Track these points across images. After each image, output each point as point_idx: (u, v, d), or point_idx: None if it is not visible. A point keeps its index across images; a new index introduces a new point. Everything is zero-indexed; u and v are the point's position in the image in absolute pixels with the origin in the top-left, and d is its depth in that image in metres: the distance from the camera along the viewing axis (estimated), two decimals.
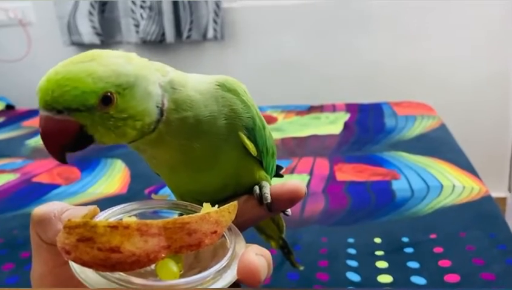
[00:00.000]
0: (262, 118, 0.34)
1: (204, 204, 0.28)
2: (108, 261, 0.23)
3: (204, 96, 0.30)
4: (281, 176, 0.42)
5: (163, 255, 0.24)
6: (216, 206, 0.27)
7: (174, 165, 0.31)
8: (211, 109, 0.30)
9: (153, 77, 0.28)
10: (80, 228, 0.23)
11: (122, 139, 0.27)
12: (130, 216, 0.29)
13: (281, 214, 0.35)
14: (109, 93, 0.25)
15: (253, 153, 0.32)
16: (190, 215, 0.25)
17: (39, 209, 0.28)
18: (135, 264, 0.23)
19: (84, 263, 0.23)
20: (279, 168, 0.41)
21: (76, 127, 0.26)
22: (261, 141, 0.33)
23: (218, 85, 0.31)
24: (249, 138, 0.32)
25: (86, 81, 0.25)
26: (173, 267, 0.26)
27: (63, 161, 0.27)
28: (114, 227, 0.23)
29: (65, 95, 0.25)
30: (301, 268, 0.51)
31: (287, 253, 0.49)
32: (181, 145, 0.29)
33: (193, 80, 0.31)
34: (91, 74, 0.25)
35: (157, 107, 0.28)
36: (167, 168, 0.32)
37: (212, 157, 0.31)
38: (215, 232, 0.26)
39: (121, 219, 0.27)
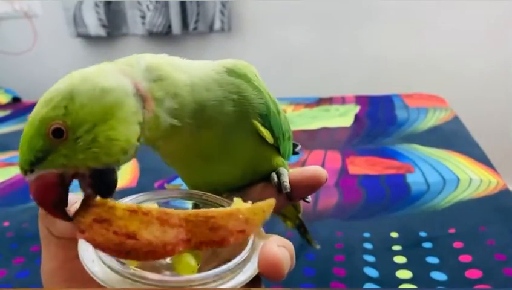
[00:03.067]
0: (276, 101, 0.32)
1: (235, 199, 0.26)
2: (122, 247, 0.21)
3: (204, 81, 0.28)
4: (297, 153, 0.41)
5: (181, 248, 0.23)
6: (249, 202, 0.24)
7: (188, 157, 0.30)
8: (215, 94, 0.28)
9: (105, 72, 0.24)
10: (98, 207, 0.22)
11: (126, 143, 0.24)
12: None
13: (301, 201, 0.33)
14: (53, 124, 0.23)
15: (269, 141, 0.31)
16: (218, 209, 0.23)
17: None
18: (150, 254, 0.22)
19: (97, 245, 0.22)
20: (294, 145, 0.39)
21: (53, 177, 0.23)
22: (277, 127, 0.31)
23: (226, 71, 0.29)
24: (263, 124, 0.30)
25: (26, 130, 0.24)
26: (190, 260, 0.24)
27: (66, 218, 0.23)
28: (133, 211, 0.22)
29: (22, 154, 0.23)
30: (318, 247, 0.50)
31: (304, 232, 0.48)
32: (191, 133, 0.27)
33: (189, 66, 0.29)
34: (29, 121, 0.24)
35: (135, 95, 0.24)
36: (181, 161, 0.31)
37: (225, 146, 0.29)
38: (243, 231, 0.23)
39: None
